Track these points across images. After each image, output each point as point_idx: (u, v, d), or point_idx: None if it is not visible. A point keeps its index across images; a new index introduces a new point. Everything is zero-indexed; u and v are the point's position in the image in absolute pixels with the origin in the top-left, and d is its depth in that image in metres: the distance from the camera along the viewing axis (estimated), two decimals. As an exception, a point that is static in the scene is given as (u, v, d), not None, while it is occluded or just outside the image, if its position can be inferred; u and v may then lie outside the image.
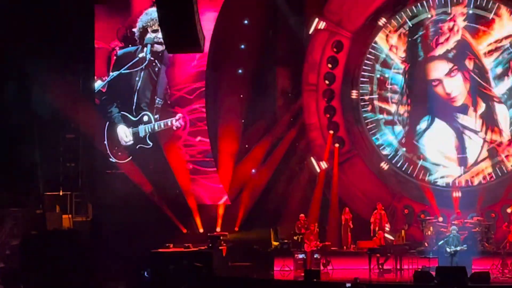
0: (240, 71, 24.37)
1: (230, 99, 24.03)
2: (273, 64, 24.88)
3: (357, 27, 24.15)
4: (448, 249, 20.24)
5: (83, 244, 21.93)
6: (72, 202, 23.52)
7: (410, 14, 23.99)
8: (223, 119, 24.07)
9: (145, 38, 24.01)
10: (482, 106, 23.59)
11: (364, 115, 24.36)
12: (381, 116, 24.33)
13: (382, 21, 24.09)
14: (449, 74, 23.64)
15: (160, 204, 23.84)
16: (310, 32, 24.24)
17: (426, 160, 23.96)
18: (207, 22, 22.35)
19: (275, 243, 22.68)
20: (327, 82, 24.42)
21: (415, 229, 23.40)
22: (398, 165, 24.10)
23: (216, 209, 24.07)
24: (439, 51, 23.64)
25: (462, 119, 23.68)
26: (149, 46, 23.98)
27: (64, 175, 23.93)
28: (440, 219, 22.91)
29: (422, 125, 23.99)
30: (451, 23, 23.49)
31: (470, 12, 23.35)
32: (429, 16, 23.81)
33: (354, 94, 24.45)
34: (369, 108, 24.36)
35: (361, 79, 24.35)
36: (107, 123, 24.25)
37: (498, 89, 23.52)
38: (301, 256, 21.72)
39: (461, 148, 23.73)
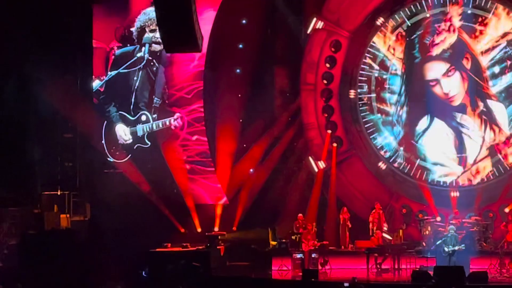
0: (238, 70, 24.35)
1: (228, 99, 24.00)
2: (271, 64, 24.88)
3: (355, 27, 24.14)
4: (446, 249, 20.22)
5: (81, 244, 21.93)
6: (70, 202, 23.52)
7: (408, 13, 24.00)
8: (221, 119, 24.06)
9: (143, 38, 23.99)
10: (480, 105, 23.59)
11: (362, 115, 24.37)
12: (379, 116, 24.34)
13: (380, 21, 24.09)
14: (446, 74, 23.63)
15: (158, 203, 23.83)
16: (308, 31, 24.24)
17: (425, 160, 23.96)
18: (205, 22, 22.35)
19: (273, 243, 22.64)
20: (325, 81, 24.42)
21: (413, 229, 23.38)
22: (396, 165, 24.13)
23: (214, 209, 24.05)
24: (436, 51, 23.63)
25: (460, 118, 23.69)
26: (147, 45, 23.96)
27: (62, 175, 23.94)
28: (438, 218, 22.92)
29: (421, 125, 23.96)
30: (448, 23, 23.48)
31: (468, 11, 23.35)
32: (427, 16, 23.81)
33: (352, 93, 24.44)
34: (367, 107, 24.37)
35: (359, 78, 24.35)
36: (105, 122, 24.25)
37: (496, 88, 23.53)
38: (299, 255, 21.67)
39: (460, 147, 23.73)
